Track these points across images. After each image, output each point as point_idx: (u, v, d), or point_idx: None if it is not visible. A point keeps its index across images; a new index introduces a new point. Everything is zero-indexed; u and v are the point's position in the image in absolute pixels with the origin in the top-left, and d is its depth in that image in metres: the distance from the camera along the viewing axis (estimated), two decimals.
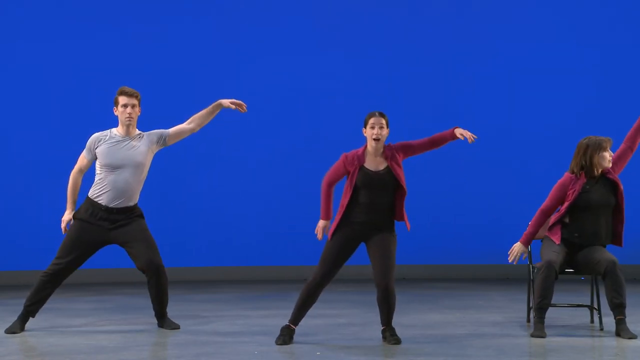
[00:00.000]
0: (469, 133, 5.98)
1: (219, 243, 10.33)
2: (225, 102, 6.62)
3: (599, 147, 6.37)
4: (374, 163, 6.01)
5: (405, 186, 5.98)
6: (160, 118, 10.16)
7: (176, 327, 6.61)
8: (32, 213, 9.76)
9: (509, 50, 10.46)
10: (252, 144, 10.28)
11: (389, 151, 6.02)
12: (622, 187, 6.42)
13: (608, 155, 6.39)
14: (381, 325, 6.09)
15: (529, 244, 6.54)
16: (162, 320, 6.67)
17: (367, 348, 5.88)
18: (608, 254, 6.29)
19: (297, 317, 6.10)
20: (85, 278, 10.03)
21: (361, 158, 6.01)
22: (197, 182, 10.29)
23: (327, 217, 6.08)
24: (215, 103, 6.65)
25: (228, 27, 10.36)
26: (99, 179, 6.48)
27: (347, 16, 10.47)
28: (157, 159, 10.21)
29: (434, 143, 6.08)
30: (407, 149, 6.06)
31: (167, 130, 6.66)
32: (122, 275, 9.36)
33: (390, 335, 6.01)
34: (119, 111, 6.54)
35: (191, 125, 6.68)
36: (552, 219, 6.48)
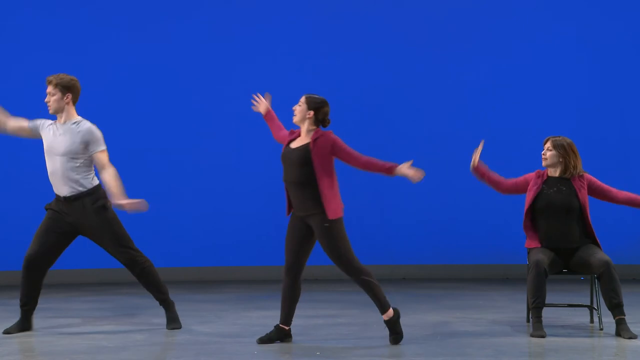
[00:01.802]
0: (413, 172, 5.70)
1: (219, 243, 10.32)
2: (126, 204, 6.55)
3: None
4: (298, 141, 5.96)
5: (317, 168, 5.76)
6: (159, 117, 10.23)
7: (177, 327, 6.61)
8: (31, 213, 9.74)
9: (508, 50, 10.46)
10: (252, 143, 10.27)
11: (316, 134, 5.88)
12: (584, 192, 6.45)
13: (542, 153, 6.58)
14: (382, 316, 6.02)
15: (478, 169, 6.70)
16: (168, 306, 6.62)
17: (367, 348, 5.87)
18: (602, 254, 6.29)
19: (286, 316, 6.02)
20: (84, 278, 10.05)
21: (294, 135, 5.99)
22: (197, 182, 10.28)
23: (266, 111, 6.29)
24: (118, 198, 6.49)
25: (224, 27, 10.35)
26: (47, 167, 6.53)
27: (347, 16, 10.47)
28: (157, 158, 10.29)
29: (368, 165, 5.83)
30: (339, 149, 5.84)
31: (98, 151, 6.41)
32: (121, 275, 9.31)
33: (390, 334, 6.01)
34: None
35: (105, 170, 6.41)
36: (524, 226, 6.53)
